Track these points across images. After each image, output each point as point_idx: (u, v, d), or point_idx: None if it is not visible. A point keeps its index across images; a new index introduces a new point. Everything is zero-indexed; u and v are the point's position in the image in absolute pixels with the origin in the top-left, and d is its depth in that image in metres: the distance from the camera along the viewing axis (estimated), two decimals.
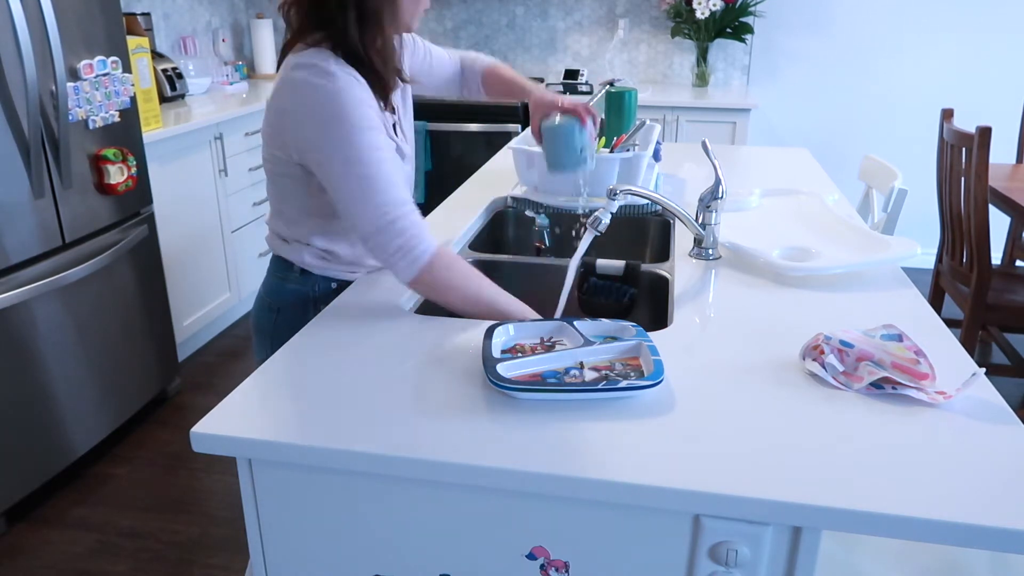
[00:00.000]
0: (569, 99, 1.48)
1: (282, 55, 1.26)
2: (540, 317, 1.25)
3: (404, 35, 1.46)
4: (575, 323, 1.15)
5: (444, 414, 0.96)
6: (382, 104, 1.28)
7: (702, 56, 3.97)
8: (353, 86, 1.18)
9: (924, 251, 1.71)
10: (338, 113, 1.16)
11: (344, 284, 1.39)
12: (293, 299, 1.39)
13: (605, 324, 1.16)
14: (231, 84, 3.82)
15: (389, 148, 1.23)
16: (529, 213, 1.84)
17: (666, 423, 0.94)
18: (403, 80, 1.38)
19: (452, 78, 1.66)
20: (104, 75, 2.35)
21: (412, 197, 1.24)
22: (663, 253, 1.81)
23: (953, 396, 0.99)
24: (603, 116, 2.03)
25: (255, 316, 1.46)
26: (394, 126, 1.37)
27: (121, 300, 2.52)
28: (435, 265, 1.21)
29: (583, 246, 1.36)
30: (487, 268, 1.36)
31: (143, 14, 3.28)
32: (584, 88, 3.89)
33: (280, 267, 1.40)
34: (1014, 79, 3.84)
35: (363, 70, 1.22)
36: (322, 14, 1.20)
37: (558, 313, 1.35)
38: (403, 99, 1.42)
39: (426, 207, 1.64)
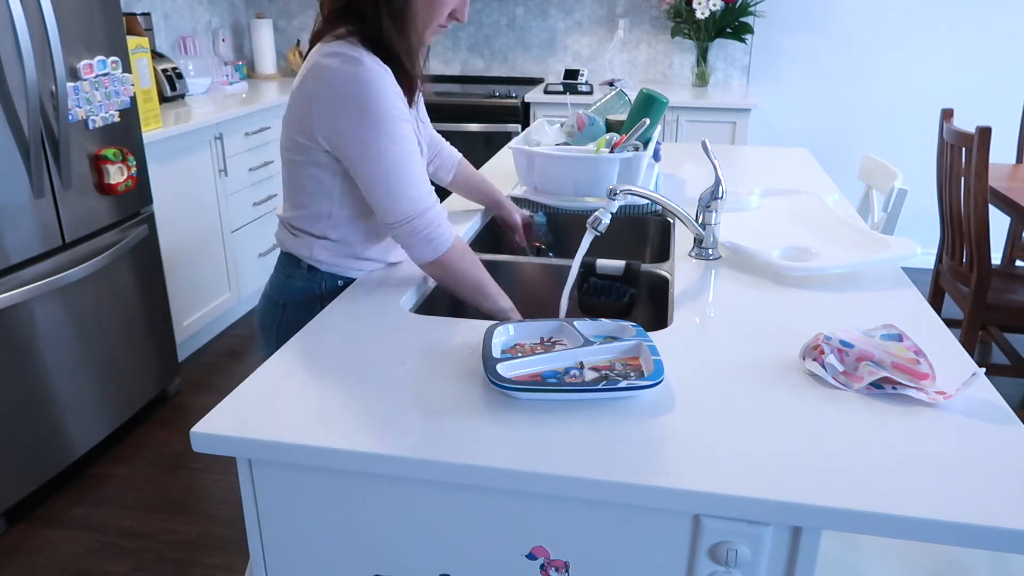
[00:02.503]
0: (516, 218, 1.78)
1: (311, 44, 1.28)
2: (521, 319, 1.33)
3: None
4: (575, 323, 1.15)
5: (444, 414, 0.96)
6: (408, 101, 1.30)
7: (702, 56, 3.97)
8: (383, 75, 1.21)
9: (924, 251, 1.71)
10: (370, 102, 1.19)
11: (350, 282, 1.39)
12: (300, 296, 1.39)
13: (605, 324, 1.16)
14: (231, 84, 3.82)
15: (415, 141, 1.27)
16: (527, 212, 1.84)
17: (666, 423, 0.94)
18: (422, 92, 1.43)
19: (430, 147, 1.67)
20: (104, 75, 2.35)
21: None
22: (663, 253, 1.81)
23: (953, 396, 0.99)
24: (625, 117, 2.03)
25: (260, 313, 1.46)
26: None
27: (121, 300, 2.52)
28: (451, 254, 1.29)
29: (583, 246, 1.36)
30: (487, 268, 1.38)
31: (143, 14, 3.28)
32: (584, 88, 3.89)
33: (287, 264, 1.41)
34: (1014, 79, 3.84)
35: (391, 65, 1.24)
36: (356, 13, 1.23)
37: (561, 313, 1.35)
38: (417, 106, 1.45)
39: None
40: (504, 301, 1.35)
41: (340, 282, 1.39)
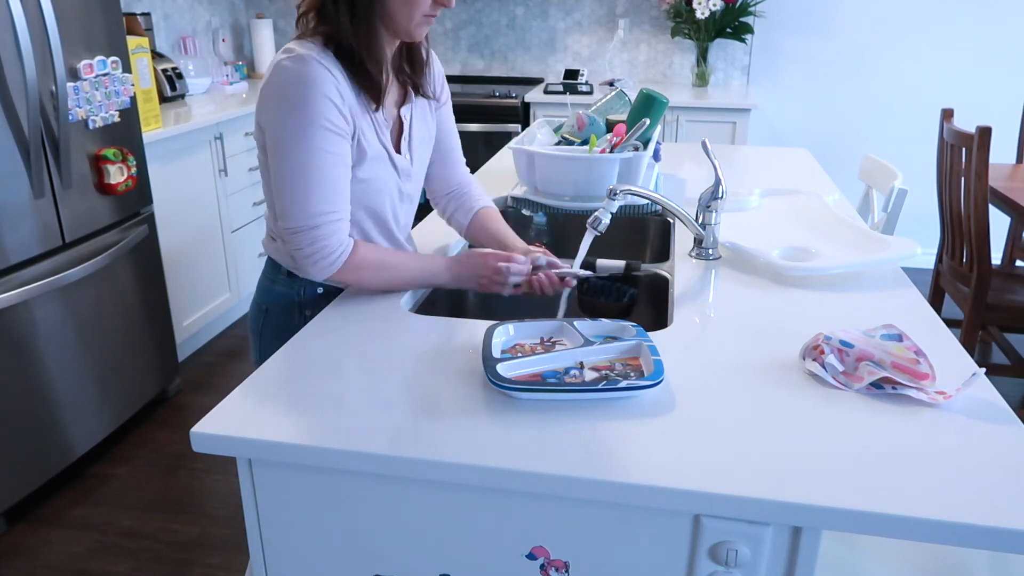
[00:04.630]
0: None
1: None
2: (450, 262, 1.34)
3: (442, 80, 1.44)
4: (575, 323, 1.15)
5: (444, 414, 0.96)
6: (373, 106, 1.26)
7: (702, 56, 3.97)
8: (323, 78, 1.17)
9: (924, 251, 1.71)
10: (300, 103, 1.16)
11: (331, 290, 1.36)
12: (281, 302, 1.38)
13: (605, 324, 1.16)
14: (231, 84, 3.82)
15: (341, 153, 1.21)
16: (526, 212, 1.84)
17: (666, 423, 0.94)
18: (424, 95, 1.37)
19: (447, 180, 1.53)
20: (104, 75, 2.35)
21: (346, 207, 1.25)
22: (663, 253, 1.81)
23: (953, 396, 0.99)
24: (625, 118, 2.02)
25: (249, 317, 1.46)
26: (398, 138, 1.35)
27: (121, 300, 2.52)
28: (343, 272, 1.26)
29: (584, 246, 1.36)
30: None
31: (143, 14, 3.28)
32: (584, 88, 3.89)
33: (270, 269, 1.40)
34: (1014, 79, 3.84)
35: (355, 69, 1.22)
36: (323, 13, 1.22)
37: (561, 313, 1.35)
38: (422, 117, 1.39)
39: (426, 207, 1.63)
40: (432, 273, 1.34)
41: (320, 290, 1.36)
